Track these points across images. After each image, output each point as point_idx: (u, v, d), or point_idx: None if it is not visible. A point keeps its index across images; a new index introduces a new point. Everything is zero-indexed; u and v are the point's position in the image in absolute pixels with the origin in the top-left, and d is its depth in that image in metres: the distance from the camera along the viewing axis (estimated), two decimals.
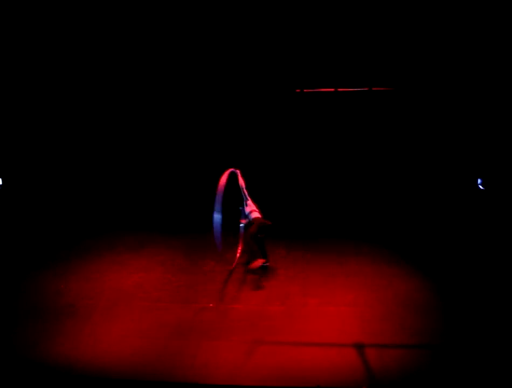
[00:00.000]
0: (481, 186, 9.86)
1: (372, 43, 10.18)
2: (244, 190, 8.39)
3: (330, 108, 10.66)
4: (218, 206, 8.06)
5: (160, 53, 10.49)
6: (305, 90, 10.64)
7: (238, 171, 8.47)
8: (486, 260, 8.38)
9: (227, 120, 10.79)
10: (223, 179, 8.19)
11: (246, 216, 8.32)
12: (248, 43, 10.34)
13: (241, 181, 8.43)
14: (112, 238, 9.27)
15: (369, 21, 10.04)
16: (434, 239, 9.03)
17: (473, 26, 9.75)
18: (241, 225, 8.45)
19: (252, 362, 6.51)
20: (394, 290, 7.83)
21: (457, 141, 10.34)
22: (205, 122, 10.82)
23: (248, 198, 8.39)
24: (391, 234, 9.29)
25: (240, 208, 8.45)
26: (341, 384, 6.17)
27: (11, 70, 10.49)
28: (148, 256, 8.79)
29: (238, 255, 8.42)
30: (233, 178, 8.41)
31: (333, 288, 7.89)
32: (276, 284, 7.99)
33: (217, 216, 8.05)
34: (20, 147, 10.79)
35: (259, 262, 8.06)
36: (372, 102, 10.56)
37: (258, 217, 8.17)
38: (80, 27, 10.31)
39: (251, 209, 8.28)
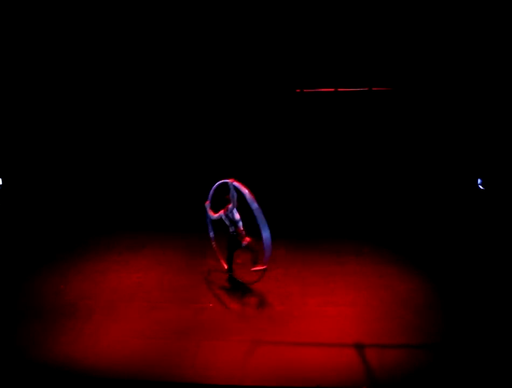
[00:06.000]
0: (481, 186, 9.85)
1: (371, 43, 10.18)
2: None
3: (330, 108, 10.66)
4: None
5: (160, 53, 10.48)
6: (305, 90, 10.64)
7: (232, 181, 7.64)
8: (486, 260, 8.38)
9: (227, 120, 10.78)
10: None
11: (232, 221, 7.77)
12: (248, 44, 10.35)
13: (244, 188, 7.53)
14: (112, 238, 9.27)
15: (369, 21, 10.05)
16: (434, 239, 9.03)
17: (473, 26, 9.75)
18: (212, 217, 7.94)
19: (252, 362, 6.52)
20: (394, 290, 7.83)
21: (457, 141, 10.34)
22: (204, 122, 10.82)
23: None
24: (391, 234, 9.28)
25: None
26: (341, 384, 6.17)
27: (11, 71, 10.49)
28: (148, 256, 8.78)
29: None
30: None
31: (333, 288, 7.90)
32: (276, 284, 7.99)
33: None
34: (20, 147, 10.78)
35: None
36: (372, 102, 10.56)
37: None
38: (80, 27, 10.31)
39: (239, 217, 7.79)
